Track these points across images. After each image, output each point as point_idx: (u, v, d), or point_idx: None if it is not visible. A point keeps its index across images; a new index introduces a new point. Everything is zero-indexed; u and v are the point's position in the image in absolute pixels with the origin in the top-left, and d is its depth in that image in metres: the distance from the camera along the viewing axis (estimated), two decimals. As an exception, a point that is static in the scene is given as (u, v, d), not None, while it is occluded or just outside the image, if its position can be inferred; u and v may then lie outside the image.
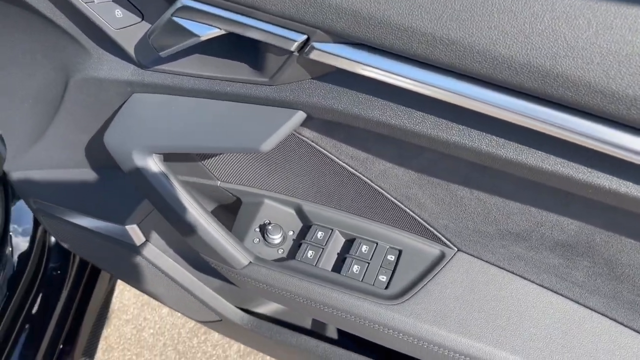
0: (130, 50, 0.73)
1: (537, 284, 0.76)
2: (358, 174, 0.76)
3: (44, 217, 1.10)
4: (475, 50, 0.51)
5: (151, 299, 1.82)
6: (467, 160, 0.64)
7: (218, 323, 1.11)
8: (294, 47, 0.59)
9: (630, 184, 0.54)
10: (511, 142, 0.57)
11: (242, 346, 1.71)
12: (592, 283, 0.71)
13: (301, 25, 0.58)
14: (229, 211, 0.97)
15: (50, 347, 1.43)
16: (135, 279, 1.11)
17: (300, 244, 0.84)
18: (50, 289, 1.38)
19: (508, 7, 0.50)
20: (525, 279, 0.76)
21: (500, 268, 0.78)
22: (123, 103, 0.80)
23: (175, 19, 0.63)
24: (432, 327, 0.74)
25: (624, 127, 0.50)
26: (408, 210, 0.78)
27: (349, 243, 0.84)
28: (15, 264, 1.33)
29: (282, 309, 1.11)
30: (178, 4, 0.63)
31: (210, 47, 0.69)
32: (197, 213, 0.79)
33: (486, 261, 0.78)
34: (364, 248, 0.82)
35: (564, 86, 0.49)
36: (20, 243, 1.35)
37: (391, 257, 0.81)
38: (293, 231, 0.87)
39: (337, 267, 0.83)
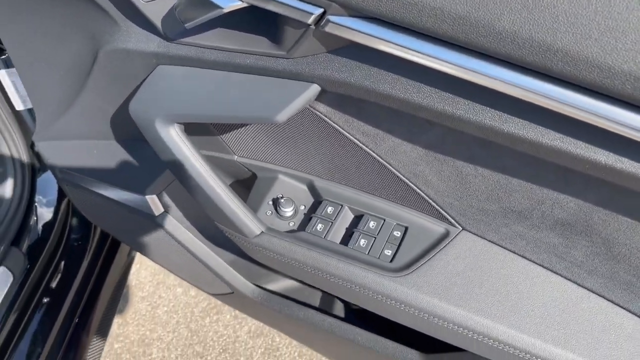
0: (157, 23, 0.77)
1: (537, 263, 0.78)
2: (368, 150, 0.79)
3: (68, 186, 1.15)
4: (481, 25, 0.54)
5: (166, 278, 1.87)
6: (472, 137, 0.67)
7: (229, 296, 1.15)
8: (310, 20, 0.62)
9: (626, 159, 0.56)
10: (513, 117, 0.60)
11: (253, 327, 1.75)
12: (591, 263, 0.73)
13: None
14: (244, 186, 1.01)
15: (68, 319, 1.48)
16: (152, 250, 1.15)
17: (311, 218, 0.88)
18: (71, 260, 1.43)
19: None
20: (526, 258, 0.79)
21: (503, 247, 0.80)
22: (148, 75, 0.84)
23: (200, -9, 0.67)
24: (433, 300, 0.77)
25: (620, 103, 0.53)
26: (415, 188, 0.81)
27: (358, 219, 0.88)
28: (40, 233, 1.39)
29: (292, 286, 1.14)
30: (203, -22, 0.66)
31: (232, 21, 0.73)
32: (214, 181, 0.83)
33: (489, 240, 0.81)
34: (372, 224, 0.85)
35: (563, 61, 0.52)
36: (44, 213, 1.40)
37: (397, 233, 0.84)
38: (304, 206, 0.91)
39: (345, 240, 0.86)
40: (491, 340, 0.75)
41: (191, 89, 0.79)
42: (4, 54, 1.25)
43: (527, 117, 0.59)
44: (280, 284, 1.15)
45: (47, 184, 1.41)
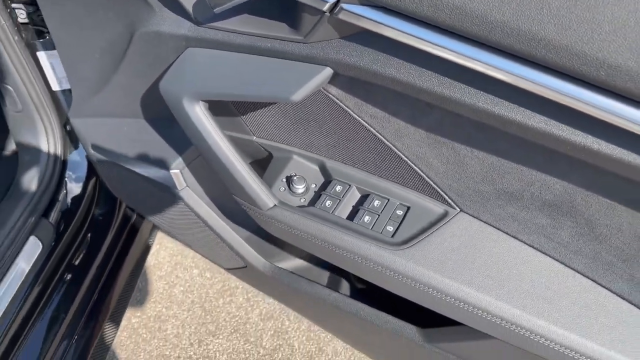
0: (189, 8, 0.85)
1: (527, 244, 0.84)
2: (375, 132, 0.86)
3: (98, 161, 1.24)
4: (475, 15, 0.61)
5: (184, 260, 1.96)
6: (468, 120, 0.73)
7: (242, 270, 1.23)
8: (325, 7, 0.70)
9: (602, 141, 0.63)
10: (503, 100, 0.66)
11: (264, 310, 1.82)
12: (575, 243, 0.79)
13: None
14: (261, 166, 1.08)
15: (90, 289, 1.56)
16: (172, 224, 1.23)
17: (320, 195, 0.95)
18: (96, 233, 1.52)
19: None
20: (517, 239, 0.85)
21: (496, 229, 0.86)
22: (177, 56, 0.92)
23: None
24: (428, 272, 0.84)
25: (597, 88, 0.59)
26: (418, 170, 0.87)
27: (364, 198, 0.94)
28: (68, 207, 1.48)
29: (301, 265, 1.22)
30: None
31: (256, 7, 0.81)
32: (233, 156, 0.91)
33: (484, 221, 0.87)
34: (376, 202, 0.92)
35: (546, 49, 0.59)
36: (73, 189, 1.49)
37: (400, 212, 0.91)
38: (315, 184, 0.98)
39: (351, 216, 0.93)
40: (480, 311, 0.81)
41: (216, 70, 0.87)
42: (44, 37, 1.34)
43: (515, 101, 0.66)
44: (290, 263, 1.22)
45: (77, 161, 1.50)
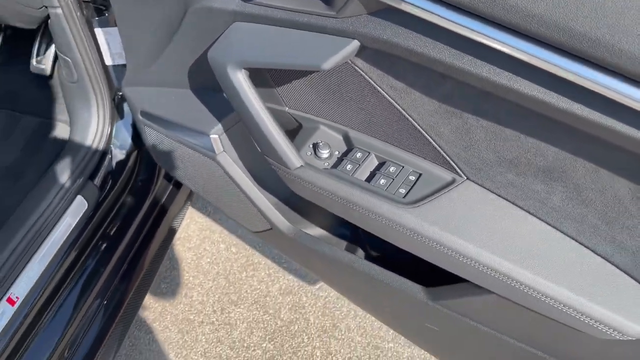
0: (238, -14, 0.98)
1: (524, 209, 0.95)
2: (395, 103, 0.98)
3: (145, 127, 1.37)
4: (481, -6, 0.72)
5: (212, 234, 2.09)
6: (475, 90, 0.84)
7: (268, 232, 1.35)
8: (356, -15, 0.82)
9: (585, 107, 0.73)
10: (504, 71, 0.77)
11: (284, 285, 1.94)
12: (565, 208, 0.89)
13: None
14: (291, 135, 1.20)
15: (125, 252, 1.70)
16: (207, 186, 1.36)
17: (342, 160, 1.06)
18: (136, 197, 1.66)
19: None
20: (515, 204, 0.95)
21: (498, 195, 0.97)
22: (224, 30, 1.05)
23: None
24: (434, 228, 0.94)
25: (582, 60, 0.70)
26: (430, 139, 0.98)
27: (381, 164, 1.06)
28: (113, 171, 1.62)
29: (321, 231, 1.33)
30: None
31: (296, -15, 0.94)
32: (267, 118, 1.03)
33: (487, 188, 0.97)
34: (392, 169, 1.03)
35: (539, 24, 0.69)
36: (117, 155, 1.64)
37: (412, 178, 1.02)
38: (338, 151, 1.10)
39: (369, 179, 1.04)
40: (478, 264, 0.92)
41: (258, 42, 0.99)
42: (102, 15, 1.49)
43: (514, 71, 0.77)
44: (311, 228, 1.34)
45: (122, 130, 1.65)
